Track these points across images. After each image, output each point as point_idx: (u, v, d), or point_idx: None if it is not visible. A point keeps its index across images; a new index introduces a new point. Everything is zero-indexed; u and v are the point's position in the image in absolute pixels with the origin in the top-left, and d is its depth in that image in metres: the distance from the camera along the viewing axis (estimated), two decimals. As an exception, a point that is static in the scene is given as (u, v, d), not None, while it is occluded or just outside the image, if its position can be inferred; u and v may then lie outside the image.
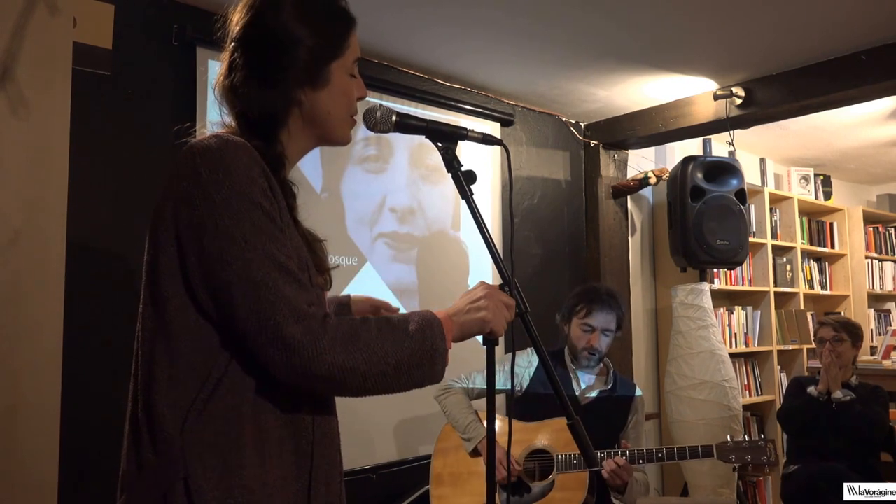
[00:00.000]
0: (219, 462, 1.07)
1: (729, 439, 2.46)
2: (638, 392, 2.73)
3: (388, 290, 3.26)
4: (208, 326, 1.10)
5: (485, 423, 2.55)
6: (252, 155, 1.13)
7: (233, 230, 1.07)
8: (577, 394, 2.64)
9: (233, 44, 1.23)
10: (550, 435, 2.51)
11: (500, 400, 2.94)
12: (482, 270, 3.60)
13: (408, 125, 1.34)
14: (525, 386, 2.67)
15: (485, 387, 2.67)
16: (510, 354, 1.44)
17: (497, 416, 1.40)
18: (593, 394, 2.66)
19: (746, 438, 2.49)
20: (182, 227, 1.10)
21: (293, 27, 1.20)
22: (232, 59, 1.22)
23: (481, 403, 2.68)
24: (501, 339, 1.30)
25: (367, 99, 1.35)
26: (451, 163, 1.33)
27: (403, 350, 1.12)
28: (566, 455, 2.46)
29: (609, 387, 2.68)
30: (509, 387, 2.54)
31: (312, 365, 1.05)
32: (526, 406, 2.60)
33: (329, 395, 1.18)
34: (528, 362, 2.71)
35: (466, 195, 1.31)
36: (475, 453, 2.54)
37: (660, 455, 2.43)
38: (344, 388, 1.11)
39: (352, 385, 1.10)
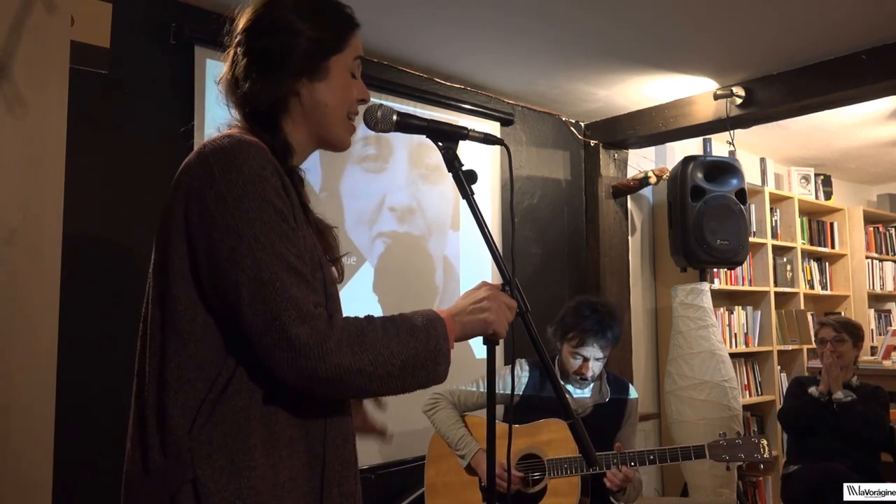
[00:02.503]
0: (227, 463, 1.07)
1: (721, 437, 2.40)
2: (632, 395, 2.68)
3: (386, 290, 3.25)
4: (217, 327, 1.10)
5: (475, 436, 2.54)
6: (264, 154, 1.14)
7: (243, 229, 1.07)
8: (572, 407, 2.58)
9: (236, 39, 1.25)
10: (540, 438, 2.48)
11: (497, 411, 2.92)
12: (482, 270, 3.59)
13: (409, 125, 1.34)
14: (521, 391, 2.63)
15: (475, 393, 2.67)
16: (507, 367, 1.45)
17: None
18: (588, 407, 2.60)
19: (739, 434, 2.44)
20: (193, 226, 1.10)
21: (293, 21, 1.22)
22: (235, 53, 1.24)
23: (471, 413, 2.67)
24: (501, 341, 1.29)
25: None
26: (452, 162, 1.32)
27: (409, 351, 1.12)
28: (556, 460, 2.43)
29: (606, 401, 2.61)
30: (508, 397, 2.54)
31: (318, 366, 1.05)
32: (522, 411, 2.57)
33: (336, 396, 1.17)
34: (521, 370, 2.67)
35: (467, 195, 1.30)
36: (469, 470, 2.51)
37: (651, 457, 2.39)
38: (349, 390, 1.10)
39: (357, 386, 1.09)
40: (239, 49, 1.24)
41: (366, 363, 1.08)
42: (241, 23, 1.25)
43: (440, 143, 1.34)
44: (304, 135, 1.27)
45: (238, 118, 1.24)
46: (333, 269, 1.25)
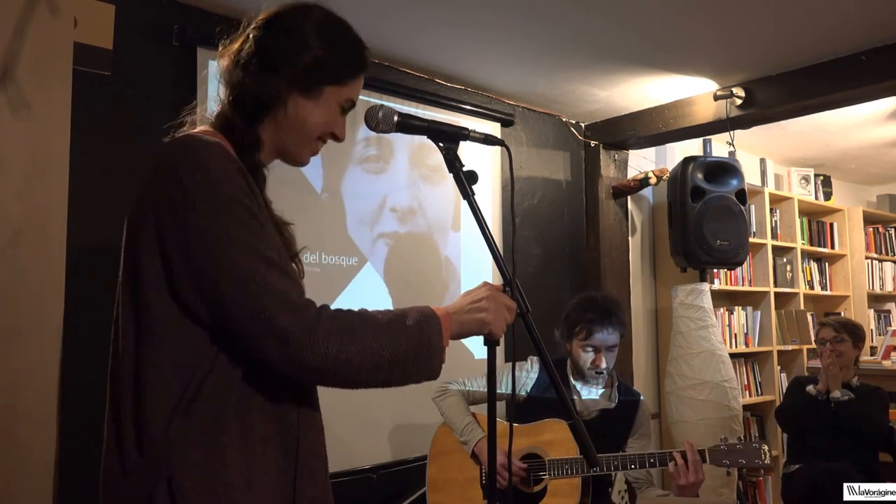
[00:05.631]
0: (202, 461, 1.08)
1: (721, 442, 2.37)
2: (642, 408, 2.65)
3: (387, 291, 3.26)
4: (192, 328, 1.11)
5: (482, 426, 2.55)
6: (227, 154, 1.15)
7: (216, 228, 1.08)
8: (578, 408, 2.56)
9: (254, 24, 1.26)
10: (541, 438, 2.48)
11: (501, 407, 2.93)
12: (483, 271, 3.60)
13: (410, 125, 1.35)
14: (528, 391, 2.63)
15: (483, 390, 2.68)
16: (510, 364, 1.45)
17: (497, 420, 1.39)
18: (596, 410, 2.59)
19: (740, 439, 2.40)
20: (164, 229, 1.10)
21: (310, 35, 1.24)
22: (247, 36, 1.25)
23: (478, 408, 2.67)
24: (502, 341, 1.30)
25: (367, 99, 1.35)
26: (453, 163, 1.33)
27: (399, 344, 1.12)
28: (557, 460, 2.42)
29: (613, 405, 2.60)
30: (511, 393, 2.53)
31: (306, 355, 1.06)
32: (526, 410, 2.58)
33: (324, 386, 1.17)
34: (530, 369, 2.67)
35: (468, 195, 1.31)
36: (473, 457, 2.52)
37: (651, 460, 2.37)
38: (338, 380, 1.11)
39: (346, 377, 1.10)
40: (252, 34, 1.25)
41: (353, 354, 1.08)
42: (263, 17, 1.27)
43: (441, 144, 1.35)
44: (272, 143, 1.28)
45: (214, 111, 1.27)
46: (294, 266, 1.26)
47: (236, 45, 1.27)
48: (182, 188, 1.09)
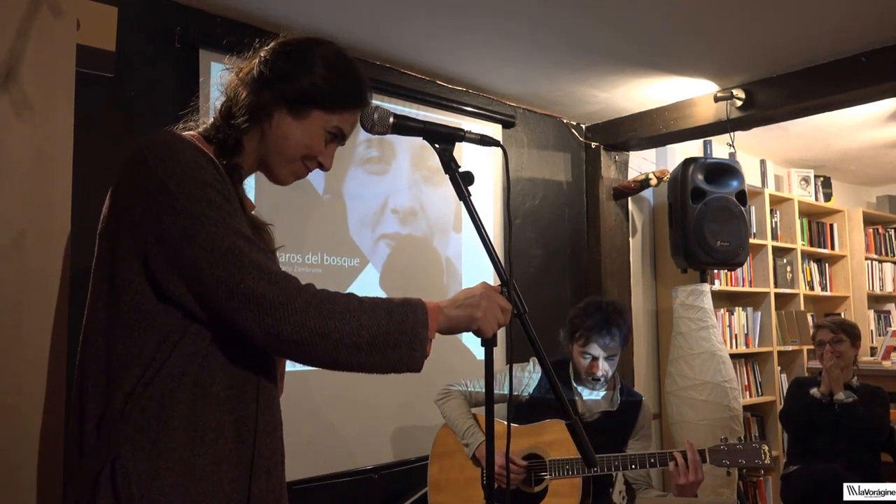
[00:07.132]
0: (149, 444, 1.09)
1: (722, 442, 2.37)
2: (643, 411, 2.66)
3: (388, 292, 3.27)
4: (164, 313, 1.13)
5: (483, 429, 2.55)
6: (198, 147, 1.18)
7: (192, 208, 1.10)
8: (579, 410, 2.58)
9: (270, 45, 1.31)
10: (543, 438, 2.49)
11: (504, 409, 2.94)
12: (483, 271, 3.60)
13: (405, 126, 1.36)
14: (531, 392, 2.63)
15: (483, 393, 2.68)
16: (507, 366, 1.47)
17: (496, 419, 1.39)
18: (597, 412, 2.59)
19: (740, 440, 2.41)
20: (140, 218, 1.12)
21: (316, 64, 1.27)
22: (260, 57, 1.30)
23: (481, 409, 2.68)
24: (501, 343, 1.31)
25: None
26: (449, 164, 1.35)
27: (380, 326, 1.13)
28: (558, 460, 2.43)
29: (615, 408, 2.60)
30: (513, 395, 2.54)
31: (284, 327, 1.07)
32: (528, 411, 2.58)
33: (303, 363, 1.16)
34: (532, 370, 2.67)
35: (464, 196, 1.32)
36: (474, 460, 2.52)
37: (652, 461, 2.37)
38: (316, 355, 1.11)
39: (324, 352, 1.10)
40: (263, 55, 1.29)
41: (331, 329, 1.09)
42: (284, 38, 1.31)
43: (437, 145, 1.36)
44: (255, 153, 1.30)
45: (199, 119, 1.32)
46: None
47: (244, 65, 1.31)
48: (155, 177, 1.12)
